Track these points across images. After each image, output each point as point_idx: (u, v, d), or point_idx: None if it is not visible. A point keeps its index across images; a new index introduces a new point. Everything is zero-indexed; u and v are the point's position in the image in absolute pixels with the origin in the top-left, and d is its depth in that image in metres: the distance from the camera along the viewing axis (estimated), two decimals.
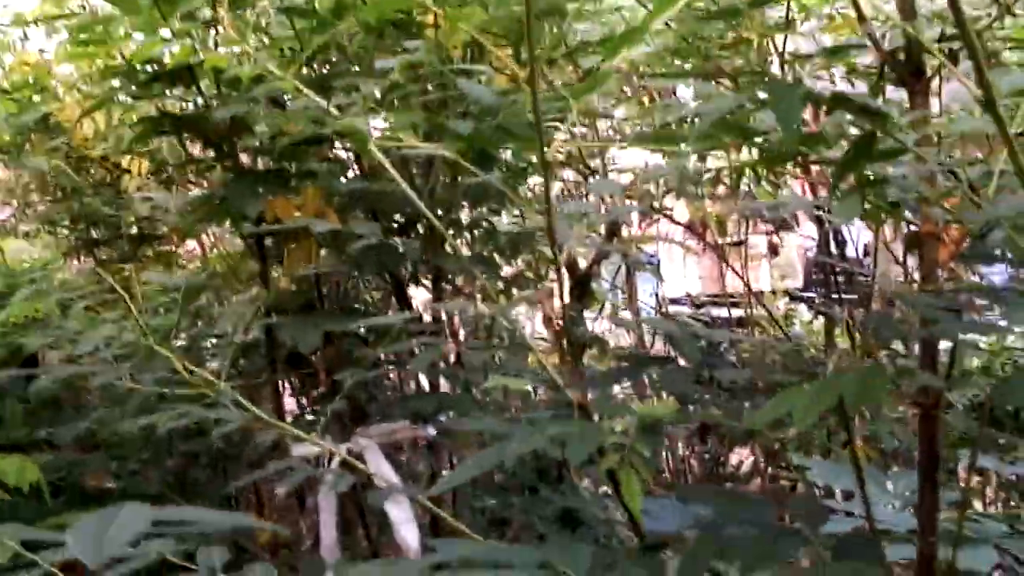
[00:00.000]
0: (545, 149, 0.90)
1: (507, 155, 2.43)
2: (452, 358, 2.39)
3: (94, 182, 3.55)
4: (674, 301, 5.36)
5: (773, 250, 6.70)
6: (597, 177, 2.89)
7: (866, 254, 3.95)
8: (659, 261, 6.05)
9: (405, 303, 2.16)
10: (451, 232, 2.15)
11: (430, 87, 1.85)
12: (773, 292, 5.03)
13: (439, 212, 2.17)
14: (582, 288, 3.44)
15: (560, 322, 1.32)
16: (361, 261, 1.88)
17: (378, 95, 1.69)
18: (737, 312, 4.20)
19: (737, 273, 4.58)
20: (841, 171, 0.85)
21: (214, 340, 2.46)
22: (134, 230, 3.39)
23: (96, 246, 3.47)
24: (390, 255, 1.90)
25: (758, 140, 0.94)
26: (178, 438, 2.73)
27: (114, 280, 2.79)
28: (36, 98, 3.11)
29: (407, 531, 1.73)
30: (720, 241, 4.44)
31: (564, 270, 3.55)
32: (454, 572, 0.84)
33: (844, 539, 0.95)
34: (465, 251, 2.45)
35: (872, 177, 0.94)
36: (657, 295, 5.03)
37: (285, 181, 1.98)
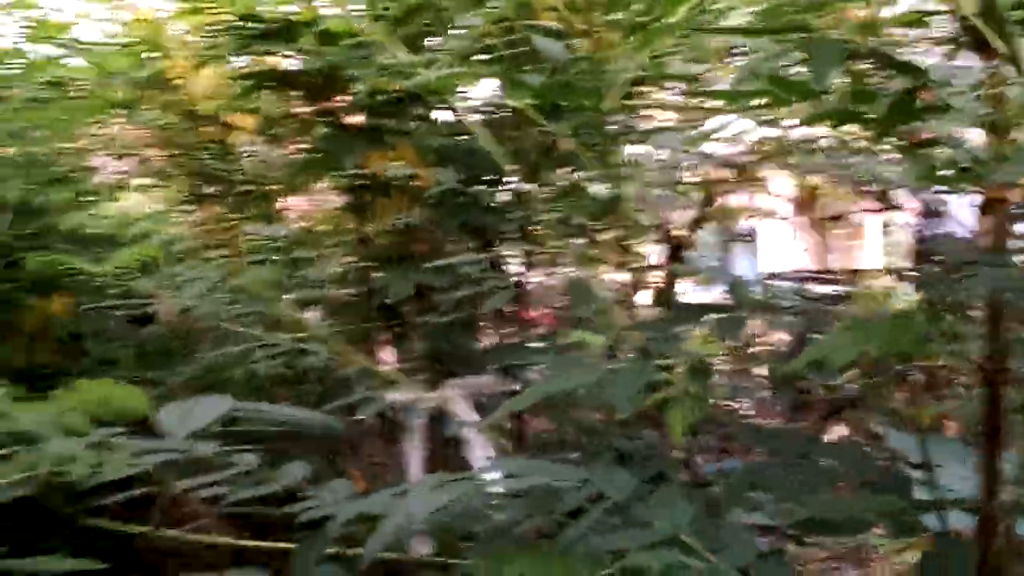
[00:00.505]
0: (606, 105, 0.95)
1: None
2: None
3: (205, 139, 3.69)
4: (775, 276, 5.33)
5: (882, 228, 6.60)
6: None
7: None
8: (757, 235, 6.01)
9: (491, 261, 2.23)
10: (539, 192, 2.20)
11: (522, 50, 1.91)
12: (880, 270, 4.97)
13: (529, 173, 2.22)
14: (676, 257, 3.47)
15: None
16: (446, 214, 1.95)
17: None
18: (840, 289, 4.17)
19: (830, 249, 4.54)
20: (881, 129, 0.88)
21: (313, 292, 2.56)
22: (243, 188, 3.51)
23: (205, 200, 3.60)
24: (474, 210, 1.97)
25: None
26: (277, 386, 2.86)
27: (221, 232, 2.93)
28: (151, 55, 3.25)
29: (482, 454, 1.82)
30: (820, 216, 4.40)
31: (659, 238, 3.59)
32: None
33: (879, 478, 0.99)
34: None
35: (927, 138, 0.96)
36: (754, 268, 5.01)
37: (380, 138, 2.06)
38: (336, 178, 2.22)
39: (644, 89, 2.63)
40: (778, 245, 6.31)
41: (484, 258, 2.08)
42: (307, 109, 2.31)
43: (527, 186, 1.67)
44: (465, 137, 2.13)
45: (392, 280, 1.93)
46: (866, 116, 0.88)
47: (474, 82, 1.63)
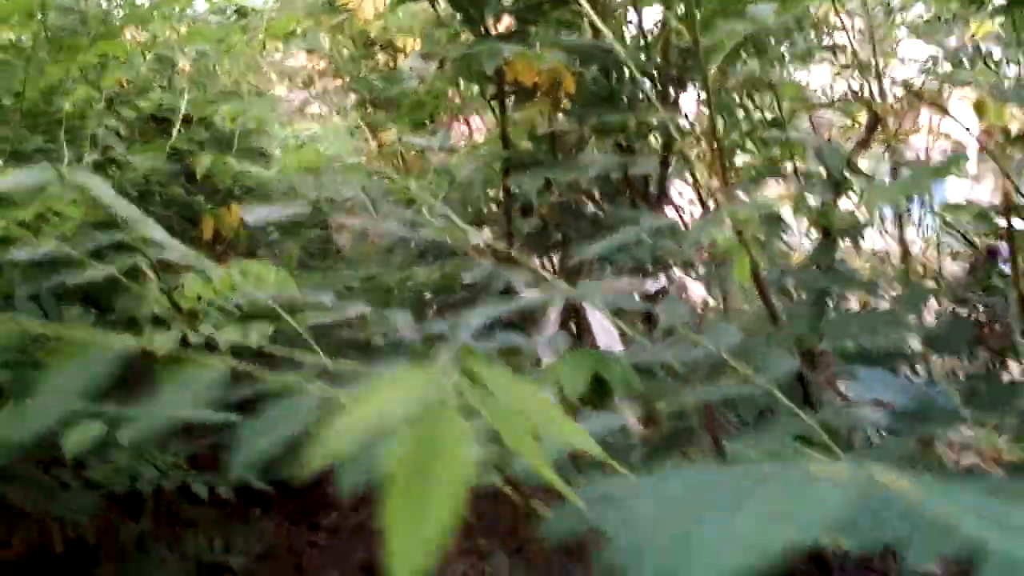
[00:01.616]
0: None
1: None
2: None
3: (376, 66, 3.85)
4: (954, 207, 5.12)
5: None
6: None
7: None
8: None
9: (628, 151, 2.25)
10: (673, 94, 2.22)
11: None
12: None
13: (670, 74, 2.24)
14: (836, 179, 3.40)
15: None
16: (582, 115, 2.00)
17: None
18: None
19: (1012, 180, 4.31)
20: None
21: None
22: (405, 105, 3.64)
23: (374, 123, 3.76)
24: (611, 108, 2.01)
25: None
26: (434, 293, 3.00)
27: (386, 146, 3.06)
28: None
29: (606, 339, 1.89)
30: (1005, 142, 4.19)
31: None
32: None
33: (941, 321, 1.00)
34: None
35: None
36: (919, 197, 4.85)
37: (524, 40, 2.12)
38: (483, 83, 2.30)
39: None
40: (969, 177, 6.05)
41: (620, 160, 2.12)
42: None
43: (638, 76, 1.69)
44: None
45: (525, 179, 1.99)
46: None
47: None
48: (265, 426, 0.52)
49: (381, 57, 3.88)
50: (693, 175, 2.22)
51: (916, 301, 1.03)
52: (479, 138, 3.73)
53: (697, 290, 3.41)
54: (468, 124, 3.84)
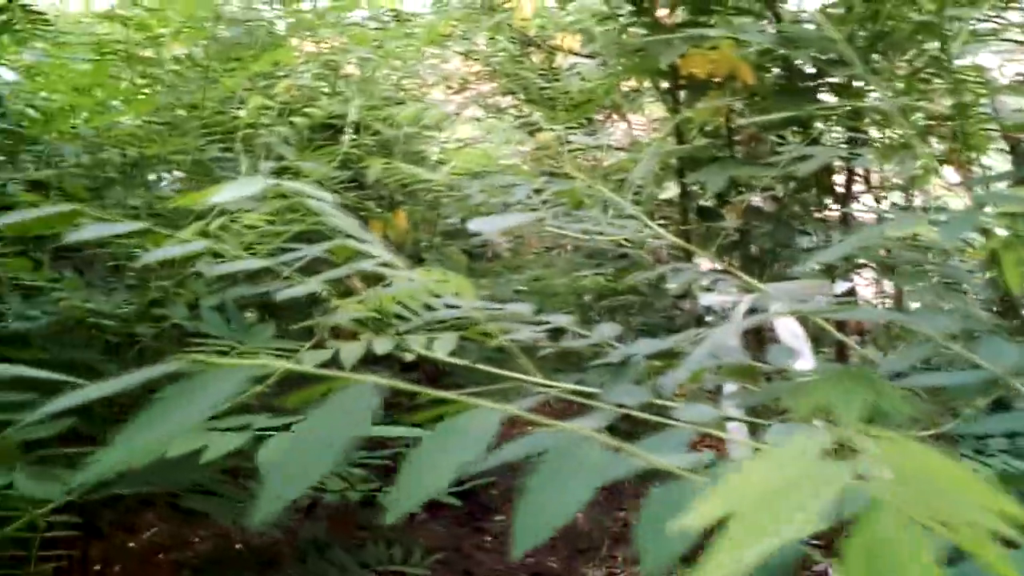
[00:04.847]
0: None
1: None
2: None
3: (533, 66, 3.81)
4: None
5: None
6: None
7: None
8: None
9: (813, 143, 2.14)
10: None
11: None
12: None
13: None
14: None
15: None
16: (767, 109, 1.90)
17: None
18: None
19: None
20: None
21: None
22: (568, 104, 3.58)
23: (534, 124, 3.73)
24: (799, 100, 1.90)
25: None
26: (600, 298, 2.94)
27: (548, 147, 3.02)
28: None
29: (796, 346, 1.78)
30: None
31: None
32: None
33: None
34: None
35: None
36: None
37: (699, 33, 2.03)
38: (655, 79, 2.22)
39: None
40: None
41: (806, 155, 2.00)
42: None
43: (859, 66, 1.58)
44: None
45: (707, 176, 1.90)
46: None
47: None
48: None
49: (536, 57, 3.83)
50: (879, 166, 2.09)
51: None
52: (640, 136, 3.64)
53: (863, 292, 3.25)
54: (627, 121, 3.76)
